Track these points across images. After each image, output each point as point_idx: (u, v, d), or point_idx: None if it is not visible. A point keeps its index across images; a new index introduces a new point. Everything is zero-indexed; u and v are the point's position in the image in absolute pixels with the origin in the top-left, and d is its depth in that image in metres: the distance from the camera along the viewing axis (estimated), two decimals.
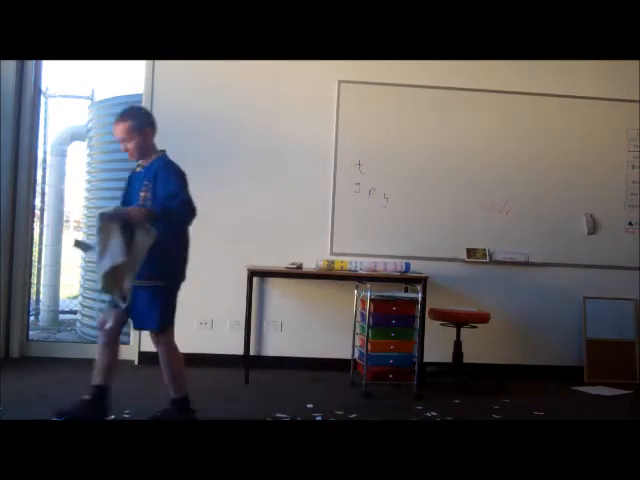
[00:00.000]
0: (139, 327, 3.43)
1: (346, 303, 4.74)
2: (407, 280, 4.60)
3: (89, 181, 5.77)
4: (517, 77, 5.07)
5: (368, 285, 4.31)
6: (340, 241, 4.96)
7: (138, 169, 3.31)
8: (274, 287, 4.97)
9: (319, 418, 3.63)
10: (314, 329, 4.96)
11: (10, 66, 4.74)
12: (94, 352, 4.74)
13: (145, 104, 4.89)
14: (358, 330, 4.52)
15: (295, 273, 4.57)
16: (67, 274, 6.68)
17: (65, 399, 3.35)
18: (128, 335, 4.88)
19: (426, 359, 4.46)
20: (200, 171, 4.90)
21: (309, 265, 4.67)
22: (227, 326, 4.91)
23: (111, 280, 2.99)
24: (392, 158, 5.00)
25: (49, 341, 5.60)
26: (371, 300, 4.23)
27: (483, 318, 4.58)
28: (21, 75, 4.90)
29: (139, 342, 4.82)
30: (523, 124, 5.08)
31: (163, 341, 3.25)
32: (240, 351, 4.67)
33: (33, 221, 5.25)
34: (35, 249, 5.67)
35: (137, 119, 3.24)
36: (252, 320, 4.72)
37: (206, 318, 4.92)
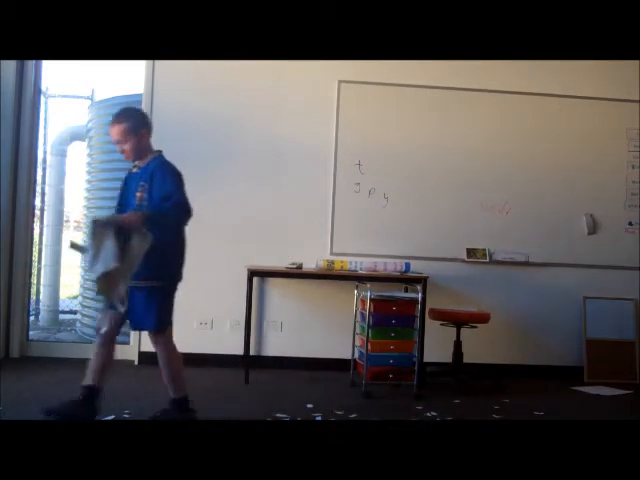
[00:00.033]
0: (137, 328, 3.43)
1: (346, 303, 4.74)
2: (407, 280, 4.60)
3: (89, 181, 5.78)
4: (517, 77, 5.07)
5: (368, 285, 4.31)
6: (340, 241, 4.96)
7: (134, 169, 3.31)
8: (274, 287, 4.97)
9: (319, 418, 3.63)
10: (314, 329, 4.96)
11: (10, 66, 4.74)
12: (92, 352, 4.76)
13: (145, 104, 4.90)
14: (358, 330, 4.52)
15: (295, 273, 4.57)
16: (67, 274, 6.69)
17: (65, 399, 3.34)
18: (128, 335, 4.88)
19: (426, 359, 4.46)
20: (200, 171, 4.91)
21: (309, 265, 4.67)
22: (227, 326, 4.91)
23: (105, 285, 3.00)
24: (392, 158, 5.00)
25: (49, 341, 5.60)
26: (371, 300, 4.23)
27: (483, 318, 4.58)
28: (21, 75, 4.90)
29: (139, 342, 4.81)
30: (523, 124, 5.08)
31: (161, 341, 3.25)
32: (240, 351, 4.67)
33: (33, 221, 5.25)
34: (35, 249, 5.68)
35: (133, 120, 3.23)
36: (252, 320, 4.72)
37: (206, 318, 4.92)
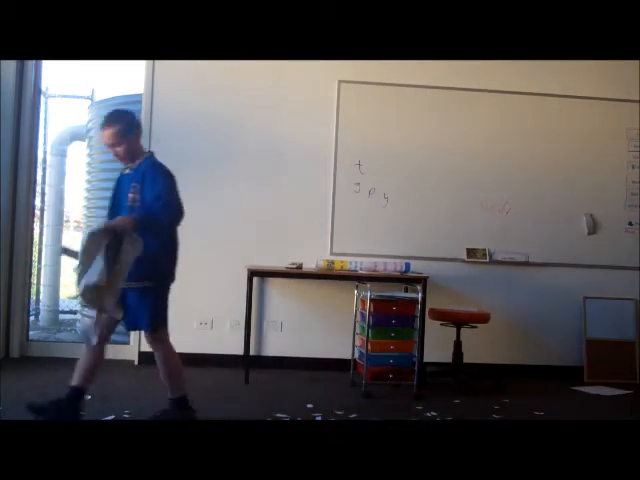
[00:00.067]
0: (131, 328, 3.42)
1: (346, 303, 4.74)
2: (407, 280, 4.60)
3: (89, 181, 5.78)
4: (517, 77, 5.07)
5: (368, 285, 4.31)
6: (340, 241, 4.96)
7: (126, 171, 3.30)
8: (274, 287, 4.97)
9: (319, 418, 3.63)
10: (314, 329, 4.96)
11: (10, 66, 4.74)
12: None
13: (145, 104, 4.90)
14: (358, 330, 4.52)
15: (295, 273, 4.57)
16: (67, 274, 6.68)
17: (50, 398, 3.31)
18: (128, 335, 4.88)
19: (426, 359, 4.47)
20: (200, 171, 4.92)
21: (309, 265, 4.67)
22: (227, 326, 4.91)
23: (92, 296, 2.99)
24: (392, 158, 5.00)
25: (49, 341, 5.60)
26: (371, 300, 4.23)
27: (483, 318, 4.58)
28: (21, 75, 4.90)
29: (139, 342, 4.81)
30: (523, 124, 5.08)
31: (157, 341, 3.26)
32: (240, 351, 4.67)
33: (33, 221, 5.25)
34: (35, 249, 5.67)
35: (124, 123, 3.22)
36: (252, 320, 4.72)
37: (206, 318, 4.92)
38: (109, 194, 3.39)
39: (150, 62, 4.88)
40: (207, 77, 4.90)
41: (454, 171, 5.04)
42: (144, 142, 4.84)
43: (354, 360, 4.55)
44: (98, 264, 2.95)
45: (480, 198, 5.05)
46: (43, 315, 6.35)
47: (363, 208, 4.98)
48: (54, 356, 4.93)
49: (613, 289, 5.10)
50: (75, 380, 3.19)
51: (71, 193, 6.43)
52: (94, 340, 3.09)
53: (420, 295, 4.31)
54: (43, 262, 6.25)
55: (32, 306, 5.80)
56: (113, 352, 4.93)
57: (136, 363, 4.83)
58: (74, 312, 6.46)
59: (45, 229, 6.16)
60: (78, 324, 5.89)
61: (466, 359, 4.64)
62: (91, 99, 6.36)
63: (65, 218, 6.63)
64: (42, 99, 5.52)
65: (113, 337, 4.99)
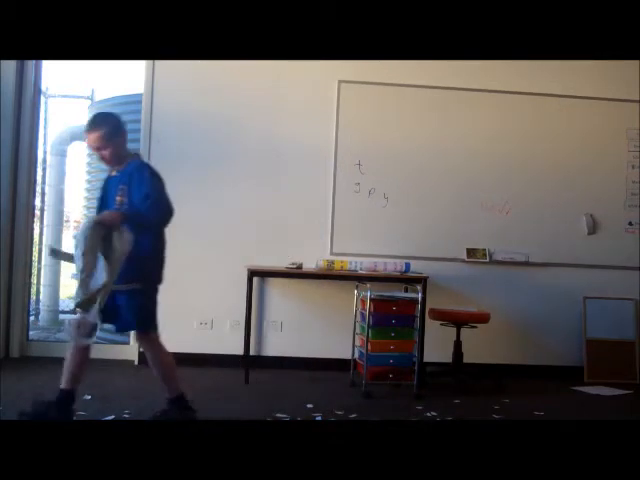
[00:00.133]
0: (121, 330, 3.40)
1: (346, 303, 4.74)
2: (407, 280, 4.60)
3: (89, 181, 5.78)
4: (517, 77, 5.07)
5: (368, 285, 4.31)
6: (340, 241, 4.96)
7: (113, 173, 3.27)
8: (274, 287, 4.97)
9: (319, 418, 3.63)
10: (314, 329, 4.96)
11: (10, 66, 4.74)
12: (94, 352, 4.73)
13: (145, 104, 4.90)
14: (358, 330, 4.52)
15: (295, 273, 4.57)
16: (67, 274, 6.68)
17: (41, 401, 3.29)
18: (128, 335, 4.88)
19: (426, 359, 4.46)
20: (200, 171, 4.92)
21: (309, 265, 4.67)
22: (227, 326, 4.91)
23: (101, 299, 2.98)
24: (392, 158, 5.00)
25: (49, 341, 5.60)
26: (371, 300, 4.23)
27: (483, 318, 4.58)
28: (21, 75, 4.90)
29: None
30: (523, 124, 5.08)
31: (148, 342, 3.25)
32: (240, 351, 4.67)
33: (33, 221, 5.25)
34: (35, 249, 5.68)
35: (109, 126, 3.18)
36: (252, 320, 4.72)
37: (206, 318, 4.92)
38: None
39: (150, 62, 4.88)
40: (207, 77, 4.90)
41: (454, 171, 5.04)
42: (144, 142, 4.89)
43: (354, 360, 4.55)
44: (100, 263, 2.94)
45: (480, 198, 5.05)
46: (43, 315, 6.35)
47: (363, 208, 4.98)
48: (54, 356, 4.91)
49: (613, 289, 5.10)
50: (64, 382, 3.17)
51: (71, 193, 6.44)
52: (85, 340, 3.07)
53: (420, 295, 4.31)
54: (43, 262, 6.25)
55: (32, 306, 5.80)
56: (113, 352, 4.96)
57: (136, 363, 4.83)
58: (74, 312, 6.46)
59: (45, 229, 6.16)
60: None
61: (466, 359, 4.64)
62: (91, 99, 6.36)
63: (65, 218, 6.64)
64: (42, 99, 5.52)
65: (113, 337, 5.03)
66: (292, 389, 4.34)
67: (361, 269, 4.56)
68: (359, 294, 4.56)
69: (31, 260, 5.28)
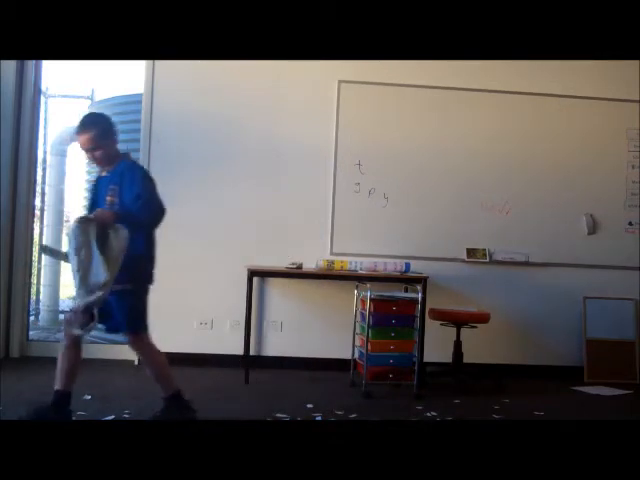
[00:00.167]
0: (112, 331, 3.39)
1: (346, 303, 4.74)
2: (407, 280, 4.60)
3: (89, 181, 5.77)
4: (517, 77, 5.07)
5: (368, 285, 4.31)
6: (340, 241, 4.96)
7: (104, 173, 3.27)
8: (274, 287, 4.97)
9: (319, 418, 3.63)
10: (314, 329, 4.96)
11: (10, 66, 4.74)
12: (93, 352, 4.78)
13: (145, 104, 4.90)
14: (358, 330, 4.52)
15: (295, 273, 4.57)
16: (67, 274, 6.68)
17: (39, 404, 3.28)
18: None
19: (426, 359, 4.46)
20: (200, 171, 4.92)
21: (309, 265, 4.67)
22: (227, 326, 4.91)
23: (103, 296, 2.98)
24: (392, 158, 5.00)
25: (49, 341, 5.59)
26: (371, 300, 4.23)
27: (483, 318, 4.58)
28: (21, 75, 4.90)
29: None
30: (523, 124, 5.08)
31: (139, 343, 3.25)
32: (240, 351, 4.67)
33: (33, 221, 5.25)
34: (35, 249, 5.67)
35: (100, 127, 3.17)
36: (252, 320, 4.72)
37: (206, 318, 4.92)
38: None
39: (150, 62, 4.88)
40: (207, 77, 4.90)
41: (454, 171, 5.04)
42: (144, 142, 4.89)
43: (354, 360, 4.55)
44: (97, 259, 2.94)
45: (480, 198, 5.05)
46: (43, 315, 6.35)
47: (363, 208, 4.98)
48: (54, 356, 4.82)
49: (613, 289, 5.10)
50: (58, 383, 3.16)
51: (71, 193, 6.43)
52: (79, 332, 3.06)
53: (420, 295, 4.31)
54: (43, 262, 6.25)
55: (32, 306, 5.79)
56: (113, 352, 4.96)
57: (136, 363, 4.83)
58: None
59: (45, 229, 6.16)
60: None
61: (466, 359, 4.63)
62: (91, 99, 6.36)
63: (65, 218, 6.63)
64: (42, 99, 5.52)
65: (113, 337, 5.02)
66: (292, 389, 4.34)
67: (361, 269, 4.56)
68: (359, 294, 4.56)
69: (31, 260, 5.28)
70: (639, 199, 5.14)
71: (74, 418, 3.24)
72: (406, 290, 4.63)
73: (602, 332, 5.05)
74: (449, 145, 5.03)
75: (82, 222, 2.96)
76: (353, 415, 3.73)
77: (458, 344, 4.62)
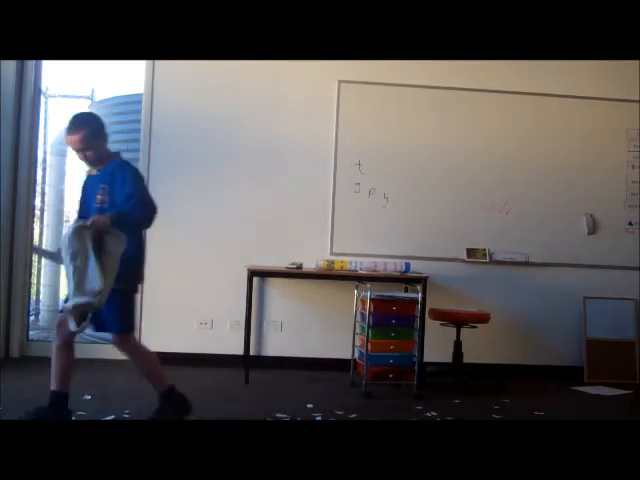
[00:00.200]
0: (100, 330, 3.38)
1: (346, 303, 4.74)
2: (407, 280, 4.60)
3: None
4: (517, 77, 5.07)
5: (368, 285, 4.31)
6: (340, 241, 4.96)
7: (94, 172, 3.26)
8: (274, 287, 4.97)
9: (319, 418, 3.63)
10: (314, 329, 4.96)
11: (10, 66, 4.75)
12: (94, 352, 4.78)
13: (145, 104, 4.91)
14: (358, 330, 4.52)
15: (295, 273, 4.57)
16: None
17: (38, 405, 3.28)
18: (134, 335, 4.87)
19: (426, 359, 4.46)
20: (200, 171, 4.92)
21: (309, 265, 4.67)
22: (227, 326, 4.91)
23: (100, 301, 2.97)
24: (392, 158, 5.00)
25: (49, 341, 5.55)
26: (371, 300, 4.23)
27: (483, 318, 4.58)
28: (21, 75, 4.90)
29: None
30: (523, 124, 5.08)
31: (125, 344, 3.24)
32: (240, 351, 4.67)
33: (33, 221, 5.25)
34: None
35: (90, 126, 3.16)
36: (252, 320, 4.72)
37: (206, 318, 4.92)
38: None
39: (150, 62, 4.88)
40: (207, 77, 4.90)
41: (454, 171, 5.04)
42: (144, 142, 4.89)
43: (354, 360, 4.55)
44: (93, 266, 2.93)
45: (480, 198, 5.05)
46: (43, 315, 6.34)
47: (363, 208, 4.98)
48: None
49: (613, 289, 5.10)
50: (54, 384, 3.16)
51: (71, 193, 6.42)
52: (73, 328, 3.04)
53: (420, 295, 4.31)
54: (43, 262, 6.24)
55: (32, 306, 5.79)
56: (113, 352, 4.92)
57: None
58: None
59: (45, 229, 6.16)
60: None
61: (466, 359, 4.63)
62: (91, 99, 6.35)
63: (65, 218, 6.62)
64: (42, 99, 5.51)
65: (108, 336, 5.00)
66: (292, 389, 4.34)
67: (361, 269, 4.56)
68: (359, 294, 4.56)
69: (31, 260, 5.27)
70: (639, 199, 5.15)
71: (74, 418, 3.24)
72: (406, 290, 4.63)
73: (602, 332, 5.05)
74: (449, 145, 5.03)
75: (78, 229, 2.94)
76: (353, 415, 3.73)
77: (458, 344, 4.62)
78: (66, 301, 3.11)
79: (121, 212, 3.04)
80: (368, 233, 4.98)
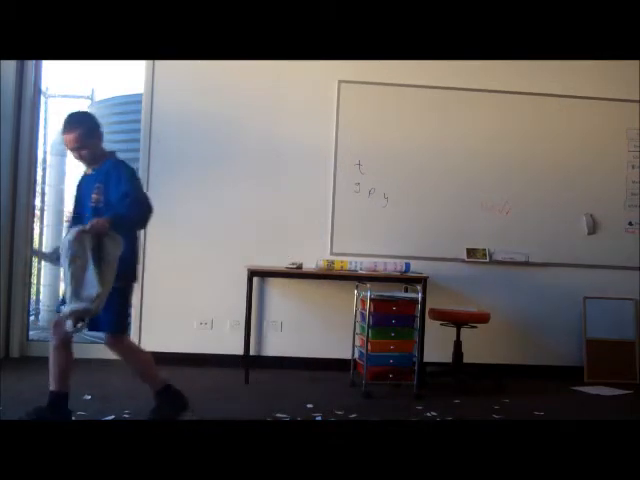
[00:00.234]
0: (92, 329, 3.36)
1: (346, 303, 4.74)
2: (407, 280, 4.60)
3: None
4: (517, 77, 5.07)
5: (368, 285, 4.31)
6: (340, 241, 4.96)
7: (89, 171, 3.26)
8: (274, 287, 4.97)
9: (319, 418, 3.63)
10: (314, 329, 4.96)
11: (10, 66, 4.75)
12: (94, 352, 4.78)
13: (145, 104, 4.90)
14: (358, 330, 4.52)
15: (295, 273, 4.57)
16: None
17: (38, 406, 3.27)
18: (128, 335, 4.87)
19: (426, 359, 4.46)
20: (200, 171, 4.92)
21: (309, 265, 4.67)
22: (227, 326, 4.91)
23: (98, 306, 2.96)
24: (392, 158, 5.00)
25: (49, 341, 5.58)
26: (371, 300, 4.23)
27: (483, 318, 4.58)
28: (21, 75, 4.90)
29: (139, 342, 4.81)
30: (523, 124, 5.08)
31: (119, 345, 3.21)
32: (240, 351, 4.67)
33: (33, 221, 5.25)
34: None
35: (86, 125, 3.16)
36: (252, 320, 4.72)
37: (206, 318, 4.92)
38: None
39: (150, 62, 4.88)
40: (207, 77, 4.90)
41: (454, 171, 5.04)
42: (144, 142, 4.89)
43: (354, 360, 4.55)
44: (92, 271, 2.92)
45: (480, 198, 5.05)
46: (43, 315, 6.35)
47: (363, 208, 4.98)
48: None
49: (613, 289, 5.10)
50: (52, 384, 3.15)
51: (71, 193, 6.42)
52: (70, 331, 3.03)
53: (420, 295, 4.31)
54: (43, 262, 6.24)
55: (32, 306, 5.79)
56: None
57: None
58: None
59: (45, 229, 6.16)
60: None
61: (466, 359, 4.63)
62: (91, 99, 6.35)
63: (65, 218, 6.63)
64: (42, 99, 5.52)
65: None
66: (292, 389, 4.34)
67: (361, 269, 4.56)
68: (359, 294, 4.56)
69: (31, 260, 5.28)
70: (639, 199, 5.15)
71: (74, 418, 3.24)
72: (406, 290, 4.63)
73: (602, 332, 5.05)
74: (449, 145, 5.03)
75: (77, 234, 2.92)
76: (353, 415, 3.73)
77: (458, 344, 4.62)
78: (62, 302, 3.10)
79: (118, 214, 3.02)
80: (368, 233, 4.98)
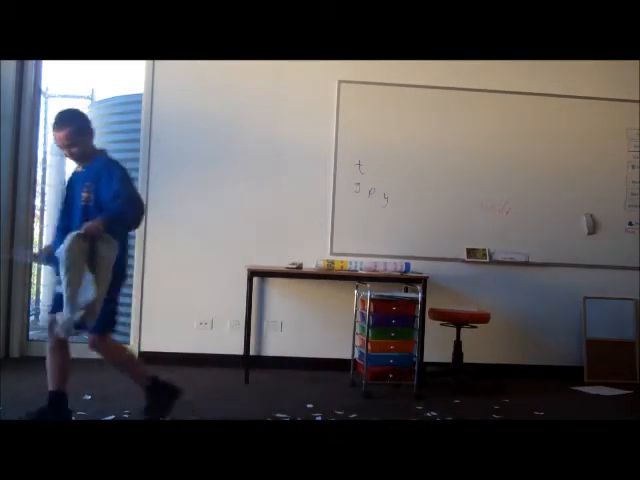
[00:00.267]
0: (77, 328, 3.36)
1: (346, 303, 4.74)
2: (407, 280, 4.60)
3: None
4: (517, 77, 5.07)
5: (368, 285, 4.31)
6: (340, 241, 4.96)
7: (79, 169, 3.25)
8: (274, 287, 4.97)
9: (319, 418, 3.63)
10: (314, 329, 4.96)
11: (10, 66, 4.74)
12: (93, 352, 4.75)
13: (145, 104, 4.90)
14: (358, 330, 4.52)
15: (295, 273, 4.57)
16: None
17: (39, 406, 3.27)
18: (128, 335, 4.88)
19: (426, 359, 4.46)
20: (200, 171, 4.92)
21: (309, 265, 4.67)
22: (227, 326, 4.91)
23: (93, 312, 2.95)
24: (392, 158, 5.00)
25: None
26: (371, 300, 4.23)
27: (483, 318, 4.58)
28: (21, 75, 4.90)
29: (139, 342, 4.82)
30: (523, 124, 5.08)
31: (103, 345, 3.18)
32: (240, 351, 4.67)
33: (33, 221, 5.25)
34: (35, 249, 5.67)
35: (76, 123, 3.16)
36: (252, 320, 4.72)
37: (206, 318, 4.92)
38: None
39: (150, 62, 4.88)
40: (207, 77, 4.90)
41: (454, 171, 5.04)
42: (144, 142, 4.89)
43: (354, 360, 4.55)
44: (87, 277, 2.91)
45: (480, 198, 5.05)
46: (43, 315, 6.35)
47: (363, 208, 4.98)
48: None
49: (613, 289, 5.10)
50: (51, 385, 3.15)
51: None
52: (64, 334, 3.02)
53: (420, 295, 4.31)
54: (32, 262, 6.23)
55: (32, 306, 5.80)
56: None
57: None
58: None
59: (45, 229, 6.16)
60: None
61: (466, 359, 4.63)
62: (91, 99, 6.36)
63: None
64: (42, 99, 5.52)
65: (113, 337, 5.01)
66: (292, 389, 4.34)
67: (361, 269, 4.56)
68: (359, 294, 4.56)
69: (31, 260, 5.28)
70: (639, 199, 5.15)
71: (74, 418, 3.24)
72: (406, 290, 4.63)
73: (602, 332, 5.05)
74: (449, 145, 5.03)
75: (74, 239, 2.90)
76: (353, 415, 3.73)
77: (458, 344, 4.62)
78: (56, 303, 3.08)
79: (111, 215, 3.00)
80: (368, 233, 4.99)
